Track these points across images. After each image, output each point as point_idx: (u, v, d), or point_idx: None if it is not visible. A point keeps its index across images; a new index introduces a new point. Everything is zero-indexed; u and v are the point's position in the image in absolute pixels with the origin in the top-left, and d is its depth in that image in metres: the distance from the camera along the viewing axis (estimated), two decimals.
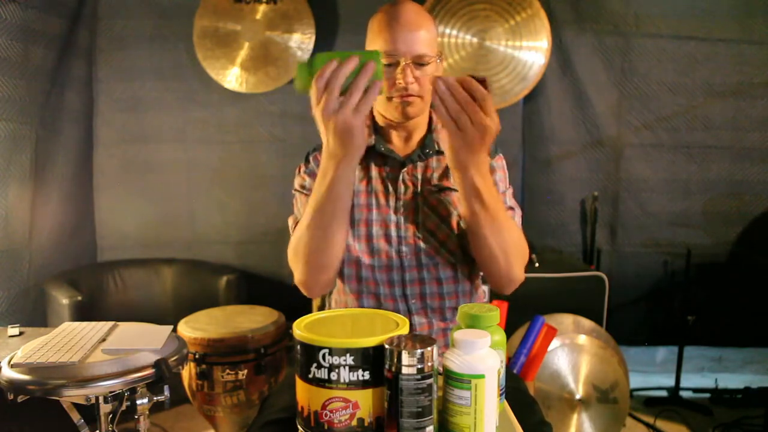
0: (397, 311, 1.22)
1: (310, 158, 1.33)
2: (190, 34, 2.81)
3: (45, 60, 2.50)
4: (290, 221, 1.32)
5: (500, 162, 1.33)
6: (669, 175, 2.91)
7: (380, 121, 1.31)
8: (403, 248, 1.26)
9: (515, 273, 1.20)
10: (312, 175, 1.30)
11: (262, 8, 2.79)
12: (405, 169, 1.28)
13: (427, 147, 1.29)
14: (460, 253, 1.27)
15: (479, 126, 1.00)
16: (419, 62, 1.19)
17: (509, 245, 1.16)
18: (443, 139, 1.08)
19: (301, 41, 2.81)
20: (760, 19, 2.78)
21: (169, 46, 2.88)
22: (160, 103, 2.92)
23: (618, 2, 2.81)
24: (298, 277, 1.22)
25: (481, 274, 1.31)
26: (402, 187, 1.27)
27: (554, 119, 2.92)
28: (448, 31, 2.74)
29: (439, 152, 1.29)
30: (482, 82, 1.01)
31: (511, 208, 1.29)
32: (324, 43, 2.82)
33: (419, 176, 1.28)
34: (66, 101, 2.69)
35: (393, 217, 1.27)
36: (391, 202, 1.27)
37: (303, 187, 1.31)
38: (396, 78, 1.18)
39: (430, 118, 1.33)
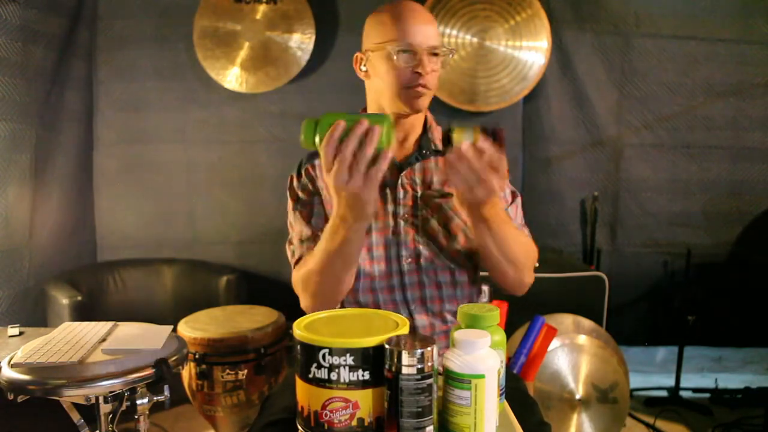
0: None
1: (302, 171, 1.31)
2: (190, 34, 2.80)
3: (45, 60, 2.50)
4: (288, 250, 1.31)
5: None
6: (669, 175, 2.91)
7: None
8: (403, 252, 1.25)
9: (525, 278, 1.24)
10: (305, 190, 1.30)
11: (262, 8, 2.79)
12: (403, 173, 1.26)
13: (423, 148, 1.28)
14: (461, 258, 1.26)
15: (487, 187, 1.02)
16: (434, 53, 1.21)
17: (518, 257, 1.18)
18: (451, 186, 1.08)
19: (301, 41, 2.81)
20: (760, 19, 2.78)
21: (169, 46, 2.87)
22: (160, 103, 2.92)
23: (618, 2, 2.81)
24: (304, 305, 1.23)
25: (483, 274, 1.31)
26: (401, 192, 1.26)
27: (554, 119, 2.92)
28: (448, 31, 2.74)
29: (437, 152, 1.28)
30: (497, 133, 1.01)
31: (513, 196, 1.31)
32: (324, 43, 2.83)
33: (418, 180, 1.27)
34: (66, 101, 2.69)
35: (392, 222, 1.26)
36: (390, 207, 1.26)
37: (298, 201, 1.30)
38: (413, 68, 1.19)
39: (426, 117, 1.33)
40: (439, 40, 1.22)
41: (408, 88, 1.20)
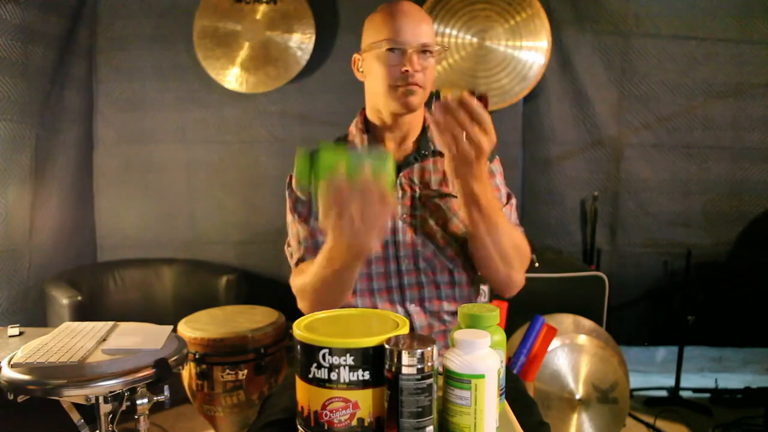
0: None
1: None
2: (190, 34, 2.81)
3: (45, 60, 2.50)
4: (287, 251, 1.32)
5: (497, 165, 1.33)
6: (669, 175, 2.91)
7: (375, 120, 1.30)
8: (401, 252, 1.25)
9: (514, 276, 1.22)
10: (304, 190, 1.30)
11: (262, 8, 2.79)
12: (402, 173, 1.26)
13: (422, 148, 1.28)
14: (460, 259, 1.26)
15: (475, 144, 1.02)
16: (424, 50, 1.21)
17: (507, 250, 1.17)
18: (442, 147, 1.08)
19: (301, 41, 2.81)
20: (760, 19, 2.77)
21: (169, 46, 2.88)
22: (160, 103, 2.92)
23: (618, 2, 2.81)
24: (301, 308, 1.24)
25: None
26: (399, 192, 1.26)
27: (554, 119, 2.92)
28: (448, 31, 2.74)
29: (436, 153, 1.28)
30: (482, 98, 1.01)
31: (508, 197, 1.31)
32: (324, 43, 2.83)
33: (417, 180, 1.27)
34: (66, 101, 2.69)
35: (390, 222, 1.25)
36: None
37: (297, 202, 1.30)
38: (402, 66, 1.19)
39: (424, 118, 1.32)
40: (431, 38, 1.22)
41: (398, 87, 1.21)
